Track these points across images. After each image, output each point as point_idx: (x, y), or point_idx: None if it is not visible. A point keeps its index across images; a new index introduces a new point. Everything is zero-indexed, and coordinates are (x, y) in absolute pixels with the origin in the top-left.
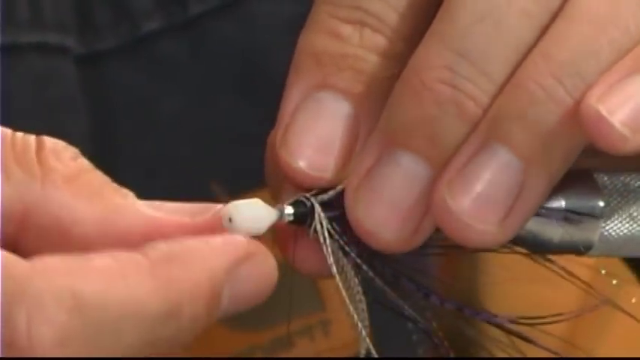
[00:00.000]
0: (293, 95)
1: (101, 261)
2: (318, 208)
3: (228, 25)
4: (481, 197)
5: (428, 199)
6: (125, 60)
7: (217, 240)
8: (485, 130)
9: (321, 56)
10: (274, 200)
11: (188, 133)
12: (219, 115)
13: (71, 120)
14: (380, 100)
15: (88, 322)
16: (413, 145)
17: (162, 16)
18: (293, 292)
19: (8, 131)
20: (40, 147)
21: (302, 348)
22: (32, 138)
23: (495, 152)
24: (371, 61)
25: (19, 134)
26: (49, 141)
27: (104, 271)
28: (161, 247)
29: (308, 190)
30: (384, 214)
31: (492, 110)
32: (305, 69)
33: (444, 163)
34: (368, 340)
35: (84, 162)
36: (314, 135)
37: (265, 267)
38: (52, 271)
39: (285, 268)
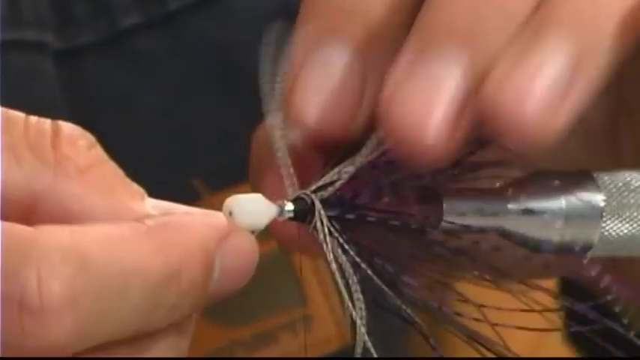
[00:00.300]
0: (301, 42)
1: (101, 226)
2: (318, 206)
3: (207, 21)
4: (540, 85)
5: (470, 95)
6: (103, 55)
7: (202, 214)
8: (537, 24)
9: (331, 1)
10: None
11: (167, 129)
12: (199, 111)
13: (51, 116)
14: (388, 52)
15: (94, 279)
16: (456, 41)
17: (141, 11)
18: (275, 287)
19: (21, 115)
20: (55, 133)
21: (285, 343)
22: (48, 123)
23: (550, 39)
24: (379, 10)
25: (34, 118)
26: (66, 126)
27: (106, 234)
28: (156, 217)
29: (319, 146)
30: (424, 108)
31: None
32: (314, 13)
33: (487, 63)
34: (366, 338)
35: (99, 152)
36: (321, 90)
37: (247, 243)
38: (56, 234)
39: (267, 264)
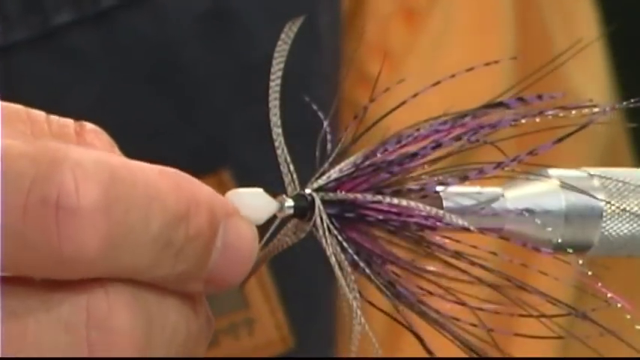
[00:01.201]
0: None
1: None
2: (319, 203)
3: (140, 19)
4: None
5: None
6: (36, 52)
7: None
8: None
9: None
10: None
11: (99, 125)
12: (132, 109)
13: None
14: None
15: (125, 192)
16: None
17: (73, 8)
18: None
19: (41, 113)
20: (79, 126)
21: (227, 347)
22: (70, 120)
23: None
24: None
25: (54, 117)
26: (89, 124)
27: (127, 161)
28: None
29: None
30: None
31: None
32: None
33: None
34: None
35: (118, 152)
36: None
37: (250, 229)
38: (85, 150)
39: None
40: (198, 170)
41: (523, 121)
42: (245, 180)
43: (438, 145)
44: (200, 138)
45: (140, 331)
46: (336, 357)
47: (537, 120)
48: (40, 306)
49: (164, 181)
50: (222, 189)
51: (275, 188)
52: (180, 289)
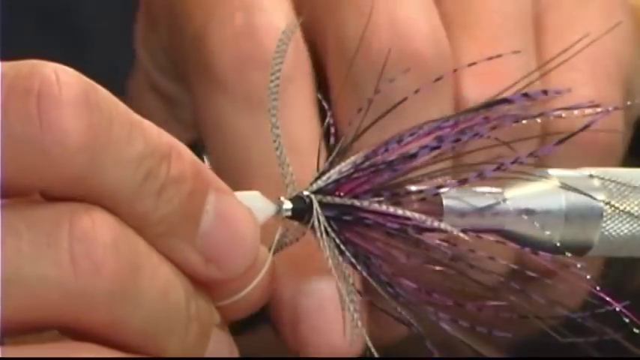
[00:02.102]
0: None
1: None
2: (316, 206)
3: None
4: None
5: None
6: None
7: None
8: None
9: None
10: None
11: None
12: (23, 54)
13: None
14: None
15: (105, 103)
16: None
17: None
18: None
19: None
20: None
21: None
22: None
23: None
24: None
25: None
26: None
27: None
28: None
29: None
30: None
31: None
32: None
33: None
34: (367, 338)
35: None
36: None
37: (246, 211)
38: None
39: None
40: None
41: (524, 122)
42: None
43: (437, 147)
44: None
45: (125, 252)
46: (335, 357)
47: (539, 120)
48: (22, 223)
49: (146, 121)
50: None
51: None
52: (169, 246)
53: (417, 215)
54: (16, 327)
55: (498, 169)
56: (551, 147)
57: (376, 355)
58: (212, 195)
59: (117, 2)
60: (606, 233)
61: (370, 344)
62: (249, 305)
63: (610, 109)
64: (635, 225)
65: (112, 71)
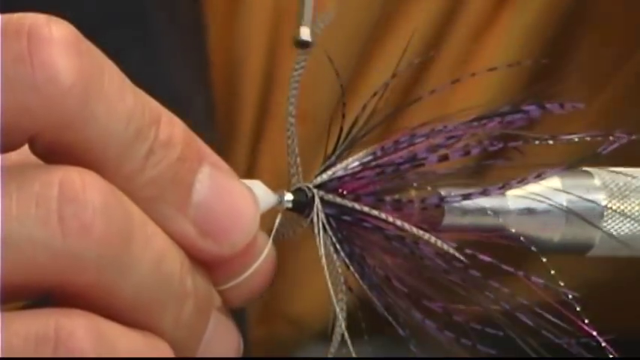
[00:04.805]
0: None
1: None
2: (317, 202)
3: None
4: None
5: None
6: None
7: None
8: None
9: None
10: None
11: None
12: None
13: None
14: None
15: (96, 55)
16: None
17: None
18: None
19: None
20: None
21: None
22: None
23: None
24: None
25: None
26: None
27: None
28: None
29: None
30: None
31: None
32: None
33: None
34: (346, 334)
35: None
36: None
37: (246, 188)
38: None
39: None
40: None
41: (537, 142)
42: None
43: (445, 158)
44: None
45: (116, 216)
46: (333, 357)
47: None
48: (13, 183)
49: (138, 88)
50: None
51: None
52: (161, 212)
53: (414, 229)
54: (8, 290)
55: (503, 189)
56: (559, 170)
57: (354, 355)
58: (207, 167)
59: None
60: (607, 233)
61: (350, 346)
62: (249, 291)
63: (624, 138)
64: (636, 225)
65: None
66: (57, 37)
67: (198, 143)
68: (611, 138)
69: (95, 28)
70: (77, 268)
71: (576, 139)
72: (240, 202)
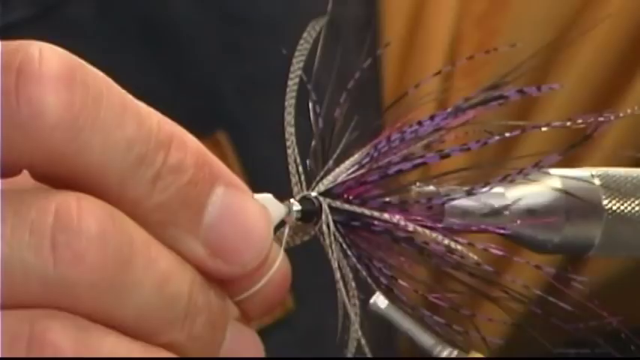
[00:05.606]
0: None
1: None
2: (326, 210)
3: None
4: None
5: None
6: (35, 29)
7: None
8: None
9: None
10: None
11: None
12: (128, 75)
13: None
14: None
15: (93, 81)
16: None
17: None
18: None
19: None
20: None
21: None
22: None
23: None
24: None
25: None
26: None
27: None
28: None
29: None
30: None
31: None
32: None
33: None
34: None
35: None
36: None
37: (260, 206)
38: None
39: None
40: (194, 133)
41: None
42: (241, 141)
43: (446, 155)
44: (194, 100)
45: (113, 243)
46: (338, 357)
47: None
48: (9, 208)
49: (145, 107)
50: (219, 151)
51: (272, 150)
52: (171, 235)
53: (427, 231)
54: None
55: (504, 180)
56: (556, 156)
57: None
58: (220, 188)
59: (217, 18)
60: (607, 233)
61: (367, 349)
62: (265, 301)
63: (612, 117)
64: (636, 225)
65: (213, 96)
66: (46, 72)
67: (213, 164)
68: (600, 119)
69: None
70: (70, 296)
71: (568, 124)
72: (252, 222)
